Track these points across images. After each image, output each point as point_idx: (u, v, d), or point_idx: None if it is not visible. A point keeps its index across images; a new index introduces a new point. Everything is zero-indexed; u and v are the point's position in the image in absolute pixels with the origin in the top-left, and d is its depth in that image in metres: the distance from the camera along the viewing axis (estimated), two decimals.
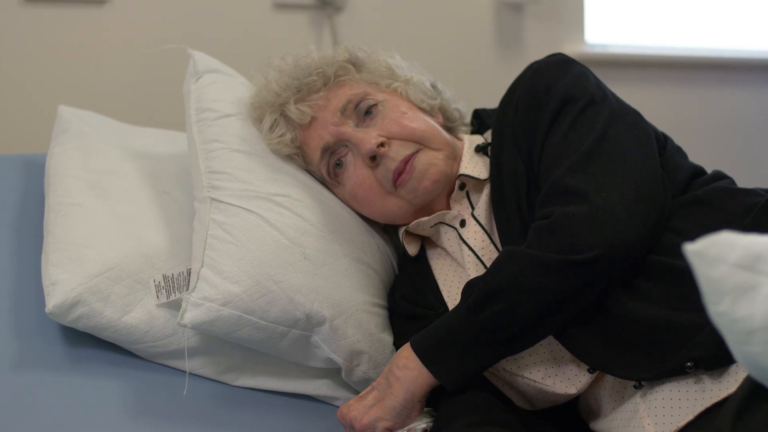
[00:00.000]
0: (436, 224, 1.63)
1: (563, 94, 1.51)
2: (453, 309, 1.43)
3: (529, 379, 1.47)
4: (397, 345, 1.62)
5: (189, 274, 1.57)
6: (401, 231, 1.67)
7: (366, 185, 1.61)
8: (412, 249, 1.66)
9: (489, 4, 2.90)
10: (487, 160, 1.62)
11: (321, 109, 1.64)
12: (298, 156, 1.68)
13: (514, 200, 1.51)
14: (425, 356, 1.41)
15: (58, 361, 1.56)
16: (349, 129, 1.62)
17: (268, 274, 1.53)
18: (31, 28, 2.44)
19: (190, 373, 1.56)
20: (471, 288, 1.40)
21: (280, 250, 1.56)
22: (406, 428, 1.45)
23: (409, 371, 1.42)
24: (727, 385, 1.32)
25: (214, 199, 1.60)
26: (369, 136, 1.59)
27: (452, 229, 1.61)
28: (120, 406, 1.51)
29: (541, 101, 1.52)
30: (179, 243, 1.64)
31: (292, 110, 1.64)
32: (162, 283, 1.57)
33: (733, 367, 1.33)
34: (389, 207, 1.62)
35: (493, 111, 1.70)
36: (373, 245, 1.68)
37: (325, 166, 1.65)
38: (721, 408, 1.28)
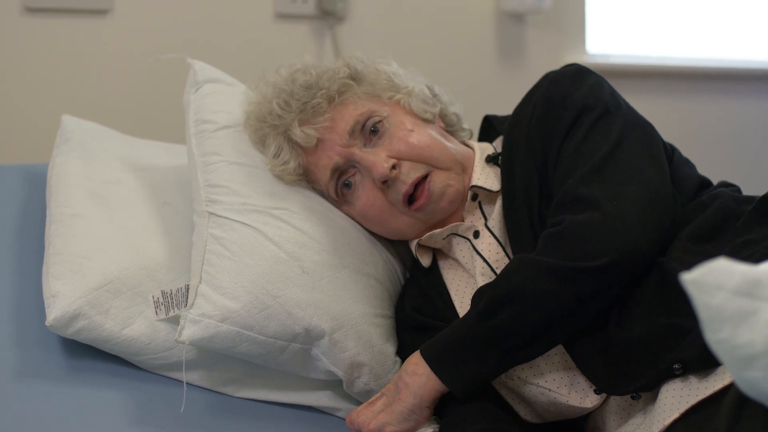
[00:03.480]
0: (448, 236, 1.63)
1: (579, 104, 1.51)
2: (463, 316, 1.43)
3: (544, 388, 1.47)
4: (405, 357, 1.61)
5: (187, 290, 1.57)
6: (413, 244, 1.66)
7: (377, 206, 1.61)
8: (425, 260, 1.66)
9: (490, 13, 2.90)
10: (497, 170, 1.62)
11: (327, 131, 1.61)
12: (301, 181, 1.67)
13: (525, 211, 1.52)
14: (434, 362, 1.41)
15: (59, 372, 1.56)
16: (358, 151, 1.60)
17: (265, 289, 1.53)
18: (32, 37, 2.43)
19: (190, 384, 1.56)
20: (481, 294, 1.41)
21: (278, 265, 1.55)
22: None
23: (417, 377, 1.42)
24: (714, 383, 1.31)
25: (212, 214, 1.60)
26: (380, 159, 1.58)
27: (465, 240, 1.61)
28: (121, 417, 1.51)
29: (557, 110, 1.52)
30: (180, 255, 1.64)
31: (297, 134, 1.62)
32: (161, 299, 1.57)
33: (721, 368, 1.33)
34: (401, 226, 1.63)
35: (504, 118, 1.70)
36: (375, 255, 1.68)
37: (333, 187, 1.64)
38: (709, 407, 1.29)
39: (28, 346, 1.58)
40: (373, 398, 1.48)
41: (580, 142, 1.48)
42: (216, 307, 1.50)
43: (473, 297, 1.42)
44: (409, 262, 1.74)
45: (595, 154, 1.45)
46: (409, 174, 1.58)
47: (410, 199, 1.59)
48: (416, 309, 1.63)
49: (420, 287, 1.66)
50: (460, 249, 1.62)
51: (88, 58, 2.48)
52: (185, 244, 1.65)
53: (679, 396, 1.34)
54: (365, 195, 1.61)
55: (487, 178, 1.61)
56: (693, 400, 1.32)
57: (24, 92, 2.44)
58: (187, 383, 1.55)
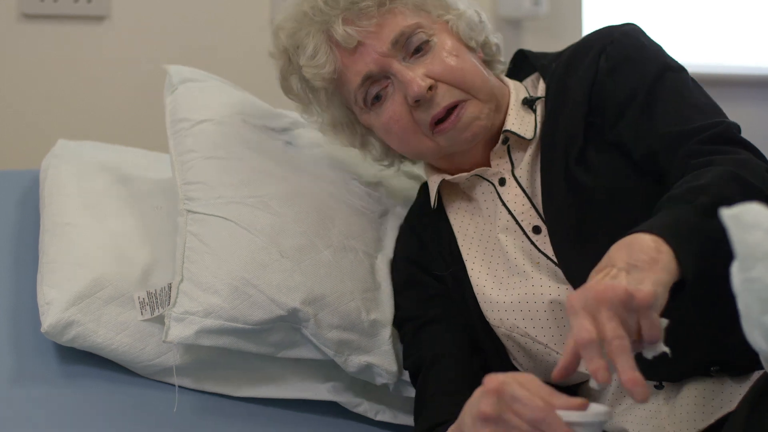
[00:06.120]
0: (472, 176, 1.56)
1: (661, 62, 1.48)
2: (672, 208, 1.23)
3: (556, 353, 1.43)
4: (402, 316, 1.60)
5: (170, 288, 1.57)
6: (435, 181, 1.58)
7: (402, 122, 1.52)
8: (433, 201, 1.60)
9: (487, 19, 2.90)
10: (532, 116, 1.55)
11: (370, 36, 1.52)
12: (329, 87, 1.59)
13: (562, 165, 1.47)
14: (676, 243, 1.16)
15: (57, 378, 1.57)
16: (396, 63, 1.51)
17: (245, 279, 1.54)
18: (29, 44, 2.43)
19: (185, 388, 1.57)
20: (698, 191, 1.24)
21: (256, 253, 1.56)
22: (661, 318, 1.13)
23: (664, 255, 1.14)
24: (743, 391, 1.29)
25: (189, 211, 1.62)
26: (417, 76, 1.49)
27: (489, 185, 1.55)
28: (117, 422, 1.53)
29: (634, 63, 1.47)
30: (172, 260, 1.63)
31: (339, 31, 1.51)
32: (146, 300, 1.58)
33: (755, 375, 1.30)
34: (420, 147, 1.55)
35: (543, 55, 1.63)
36: (365, 225, 1.67)
37: (362, 95, 1.55)
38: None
39: (25, 352, 1.58)
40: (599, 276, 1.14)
41: (685, 96, 1.44)
42: (198, 303, 1.52)
43: (686, 190, 1.25)
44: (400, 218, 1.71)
45: (705, 105, 1.43)
46: (444, 97, 1.50)
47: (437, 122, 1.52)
48: (411, 260, 1.60)
49: (417, 236, 1.62)
50: (482, 192, 1.56)
51: (85, 65, 2.48)
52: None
53: (711, 405, 1.30)
54: (392, 109, 1.52)
55: (522, 123, 1.54)
56: (727, 408, 1.29)
57: (21, 99, 2.44)
58: (182, 387, 1.56)
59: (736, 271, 0.83)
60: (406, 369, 1.59)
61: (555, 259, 1.45)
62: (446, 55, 1.51)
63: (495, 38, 1.64)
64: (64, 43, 2.45)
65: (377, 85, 1.53)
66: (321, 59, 1.53)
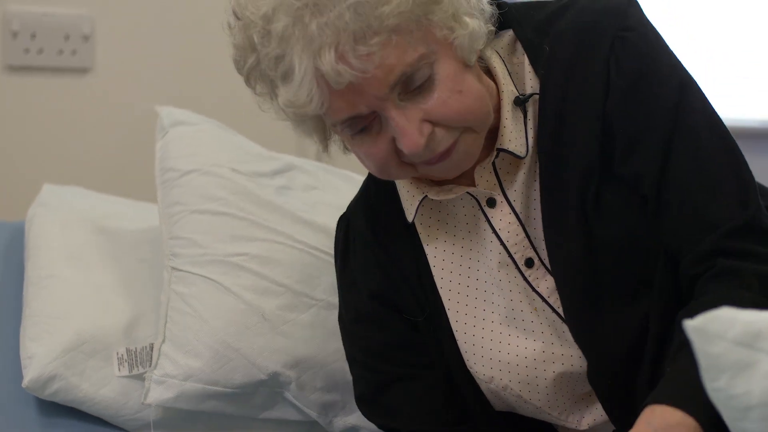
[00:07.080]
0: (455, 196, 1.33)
1: (676, 78, 1.27)
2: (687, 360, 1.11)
3: (545, 411, 1.33)
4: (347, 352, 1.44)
5: (152, 348, 1.58)
6: (417, 197, 1.34)
7: (382, 158, 1.25)
8: (410, 216, 1.35)
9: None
10: (521, 119, 1.30)
11: (367, 80, 1.18)
12: (313, 117, 1.27)
13: (575, 204, 1.26)
14: (697, 412, 1.11)
15: (38, 430, 1.56)
16: (392, 107, 1.20)
17: (226, 342, 1.54)
18: (13, 96, 2.44)
19: None
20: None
21: (237, 316, 1.56)
22: None
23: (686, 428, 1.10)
24: None
25: (174, 268, 1.62)
26: (414, 128, 1.20)
27: (473, 201, 1.32)
28: None
29: (650, 86, 1.26)
30: (156, 313, 1.64)
31: (327, 67, 1.15)
32: (125, 356, 1.58)
33: None
34: (399, 174, 1.29)
35: (522, 12, 1.33)
36: None
37: (342, 128, 1.25)
38: None
39: (6, 407, 1.58)
40: None
41: (706, 143, 1.25)
42: (178, 366, 1.53)
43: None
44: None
45: (728, 164, 1.26)
46: (441, 143, 1.23)
47: None
48: (374, 296, 1.38)
49: (377, 260, 1.38)
50: (463, 207, 1.34)
51: (69, 117, 2.49)
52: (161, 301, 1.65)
53: None
54: (375, 147, 1.24)
55: (518, 137, 1.29)
56: None
57: (5, 150, 2.45)
58: None
59: (704, 380, 0.84)
60: (364, 415, 1.43)
61: (553, 305, 1.30)
62: (448, 95, 1.22)
63: (490, 26, 1.29)
64: (48, 95, 2.46)
65: (363, 120, 1.23)
66: (302, 96, 1.19)
